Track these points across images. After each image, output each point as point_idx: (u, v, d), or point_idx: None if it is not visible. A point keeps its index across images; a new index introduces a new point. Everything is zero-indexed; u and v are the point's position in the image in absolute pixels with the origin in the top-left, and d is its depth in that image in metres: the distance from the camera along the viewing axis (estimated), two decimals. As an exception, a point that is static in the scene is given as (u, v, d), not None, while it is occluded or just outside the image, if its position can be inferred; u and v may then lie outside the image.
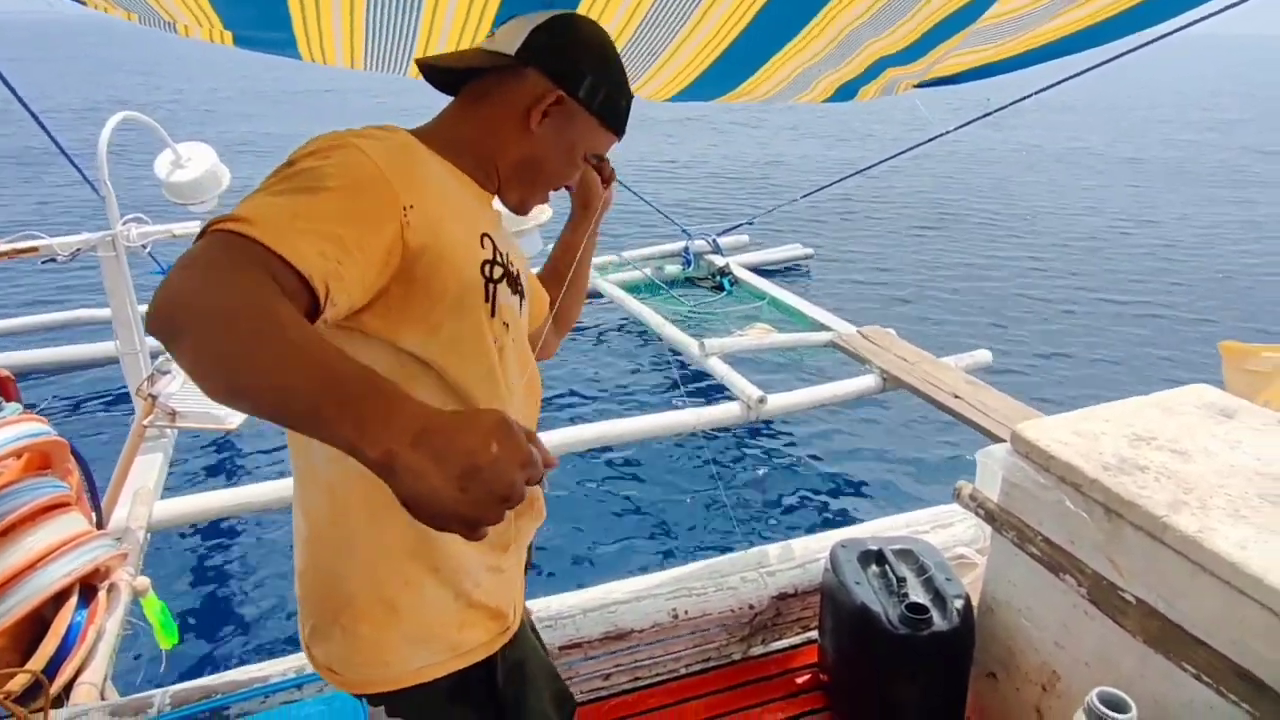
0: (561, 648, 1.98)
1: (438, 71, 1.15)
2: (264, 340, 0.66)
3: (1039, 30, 2.43)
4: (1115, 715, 1.25)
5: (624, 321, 6.81)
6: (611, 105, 1.16)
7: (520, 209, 1.19)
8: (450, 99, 1.16)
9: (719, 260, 7.07)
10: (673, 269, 7.16)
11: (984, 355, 5.09)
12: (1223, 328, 7.33)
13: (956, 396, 4.09)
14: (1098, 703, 1.27)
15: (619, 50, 1.23)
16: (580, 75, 1.11)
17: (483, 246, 1.04)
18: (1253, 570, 1.23)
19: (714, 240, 7.37)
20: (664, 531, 4.04)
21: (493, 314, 1.03)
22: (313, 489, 1.05)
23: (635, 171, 12.69)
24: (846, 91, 2.76)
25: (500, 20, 1.89)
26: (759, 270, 7.16)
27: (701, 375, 5.45)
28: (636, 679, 2.12)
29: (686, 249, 7.22)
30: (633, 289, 6.50)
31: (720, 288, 6.83)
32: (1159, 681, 1.41)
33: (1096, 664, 1.56)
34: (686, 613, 2.10)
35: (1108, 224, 11.35)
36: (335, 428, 0.64)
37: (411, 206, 0.90)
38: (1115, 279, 8.84)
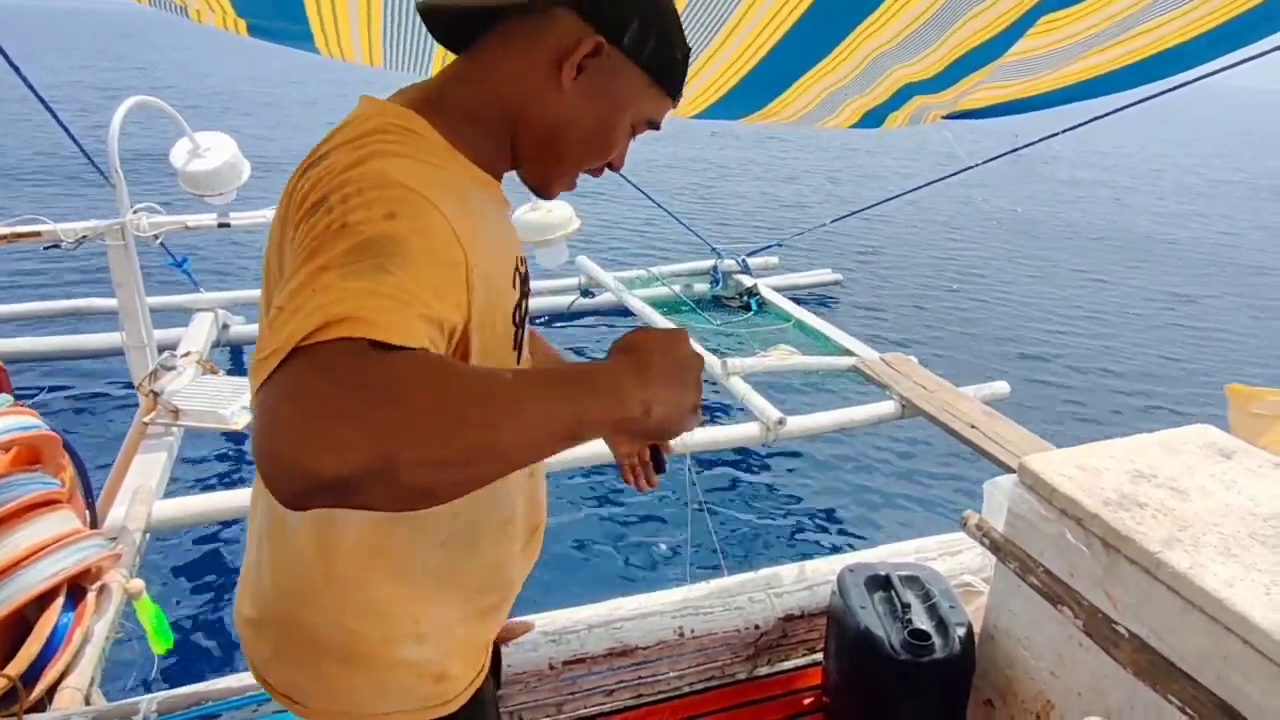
0: (565, 662, 2.00)
1: (441, 20, 0.92)
2: (499, 415, 0.61)
3: (1067, 70, 2.45)
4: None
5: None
6: (664, 57, 0.90)
7: (544, 190, 0.97)
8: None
9: (747, 281, 7.09)
10: (700, 287, 7.18)
11: (1001, 387, 5.09)
12: (1237, 370, 7.29)
13: (973, 426, 4.09)
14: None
15: None
16: (625, 17, 0.86)
17: (514, 287, 0.90)
18: (1238, 608, 1.26)
19: (743, 260, 7.39)
20: (674, 549, 4.07)
21: (518, 360, 0.94)
22: (291, 533, 0.94)
23: (667, 188, 12.77)
24: (873, 118, 2.77)
25: None
26: (786, 292, 7.17)
27: (722, 393, 5.47)
28: (640, 695, 2.14)
29: (715, 268, 7.25)
30: (659, 305, 6.52)
31: (747, 308, 6.84)
32: (1146, 713, 1.43)
33: (1089, 695, 1.58)
34: (693, 631, 2.12)
35: (1137, 259, 11.26)
36: (599, 423, 0.67)
37: (474, 267, 0.77)
38: (1135, 316, 8.80)
